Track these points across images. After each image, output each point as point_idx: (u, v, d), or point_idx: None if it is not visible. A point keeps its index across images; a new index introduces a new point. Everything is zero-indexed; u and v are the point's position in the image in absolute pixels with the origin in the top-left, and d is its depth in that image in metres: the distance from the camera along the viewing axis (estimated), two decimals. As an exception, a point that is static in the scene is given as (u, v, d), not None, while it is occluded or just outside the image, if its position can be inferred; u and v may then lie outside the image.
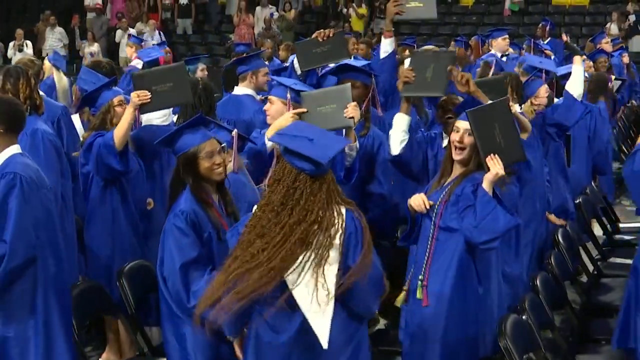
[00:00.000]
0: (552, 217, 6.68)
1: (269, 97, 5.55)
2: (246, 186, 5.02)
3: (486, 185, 4.39)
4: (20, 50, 19.03)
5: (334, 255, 3.54)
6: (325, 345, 3.56)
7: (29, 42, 19.68)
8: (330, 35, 6.14)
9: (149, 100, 5.49)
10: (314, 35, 6.23)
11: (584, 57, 10.10)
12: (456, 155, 4.55)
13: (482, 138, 4.49)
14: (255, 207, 3.69)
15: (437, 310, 4.46)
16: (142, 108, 5.54)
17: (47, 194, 4.50)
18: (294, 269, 3.52)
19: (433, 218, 4.50)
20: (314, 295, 3.52)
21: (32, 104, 5.63)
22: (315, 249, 3.53)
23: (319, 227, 3.53)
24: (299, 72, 6.17)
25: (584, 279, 6.70)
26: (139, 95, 5.48)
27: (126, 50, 11.66)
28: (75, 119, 6.83)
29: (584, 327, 5.68)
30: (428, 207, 4.49)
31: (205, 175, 4.30)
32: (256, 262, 3.50)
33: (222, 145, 4.46)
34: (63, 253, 4.59)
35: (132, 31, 20.56)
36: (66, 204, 5.67)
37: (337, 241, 3.56)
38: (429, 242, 4.50)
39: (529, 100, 6.54)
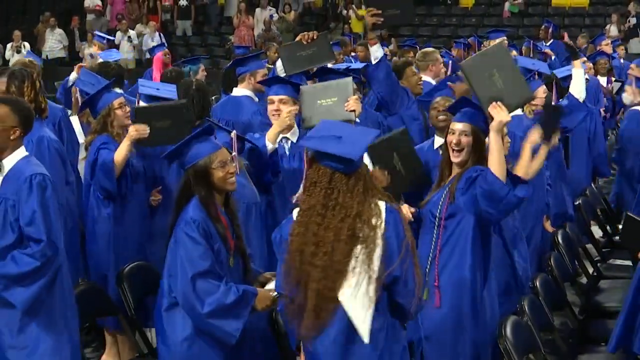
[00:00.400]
0: (547, 224, 6.63)
1: (281, 97, 5.47)
2: (245, 187, 5.01)
3: (493, 136, 4.37)
4: (19, 52, 19.02)
5: (379, 246, 3.55)
6: (366, 339, 3.55)
7: (26, 44, 19.68)
8: (315, 37, 6.09)
9: (146, 135, 5.48)
10: (297, 38, 6.19)
11: (584, 58, 10.10)
12: (454, 158, 4.53)
13: (480, 88, 4.47)
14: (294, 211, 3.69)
15: (454, 302, 4.46)
16: (139, 142, 5.52)
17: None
18: (352, 266, 3.53)
19: (437, 221, 4.50)
20: (364, 289, 3.52)
21: (37, 108, 5.54)
22: (363, 241, 3.53)
23: (361, 220, 3.54)
24: (282, 75, 6.12)
25: (584, 280, 6.70)
26: (137, 130, 5.47)
27: (92, 48, 11.68)
28: (75, 121, 6.83)
29: (583, 328, 5.68)
30: (411, 216, 4.51)
31: (218, 185, 4.20)
32: (322, 269, 3.53)
33: (233, 154, 4.39)
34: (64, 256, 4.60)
35: (131, 33, 20.61)
36: (71, 209, 5.67)
37: (379, 232, 3.56)
38: (434, 242, 4.51)
39: None
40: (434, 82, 7.56)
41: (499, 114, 4.38)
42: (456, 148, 4.51)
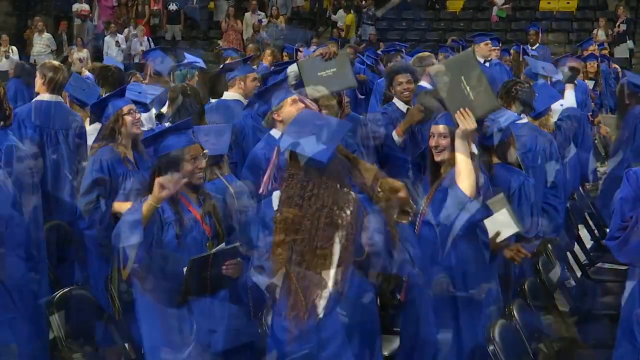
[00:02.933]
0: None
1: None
2: (225, 196, 4.93)
3: (459, 143, 4.42)
4: (7, 57, 18.97)
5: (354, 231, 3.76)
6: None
7: (14, 48, 19.63)
8: (335, 55, 5.77)
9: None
10: (317, 53, 5.94)
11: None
12: (436, 157, 4.63)
13: (447, 94, 4.54)
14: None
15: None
16: None
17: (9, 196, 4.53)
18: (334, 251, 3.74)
19: (417, 220, 4.59)
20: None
21: (2, 115, 5.49)
22: (344, 228, 3.72)
23: (338, 207, 3.73)
24: (292, 82, 5.95)
25: (572, 284, 6.72)
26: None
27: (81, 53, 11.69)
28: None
29: (571, 332, 5.70)
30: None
31: (187, 177, 4.35)
32: (300, 254, 3.73)
33: (204, 151, 4.52)
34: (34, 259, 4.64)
35: (119, 37, 20.57)
36: (37, 217, 5.58)
37: (354, 219, 3.75)
38: None
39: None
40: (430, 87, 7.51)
41: (465, 121, 4.43)
42: (435, 150, 4.63)
